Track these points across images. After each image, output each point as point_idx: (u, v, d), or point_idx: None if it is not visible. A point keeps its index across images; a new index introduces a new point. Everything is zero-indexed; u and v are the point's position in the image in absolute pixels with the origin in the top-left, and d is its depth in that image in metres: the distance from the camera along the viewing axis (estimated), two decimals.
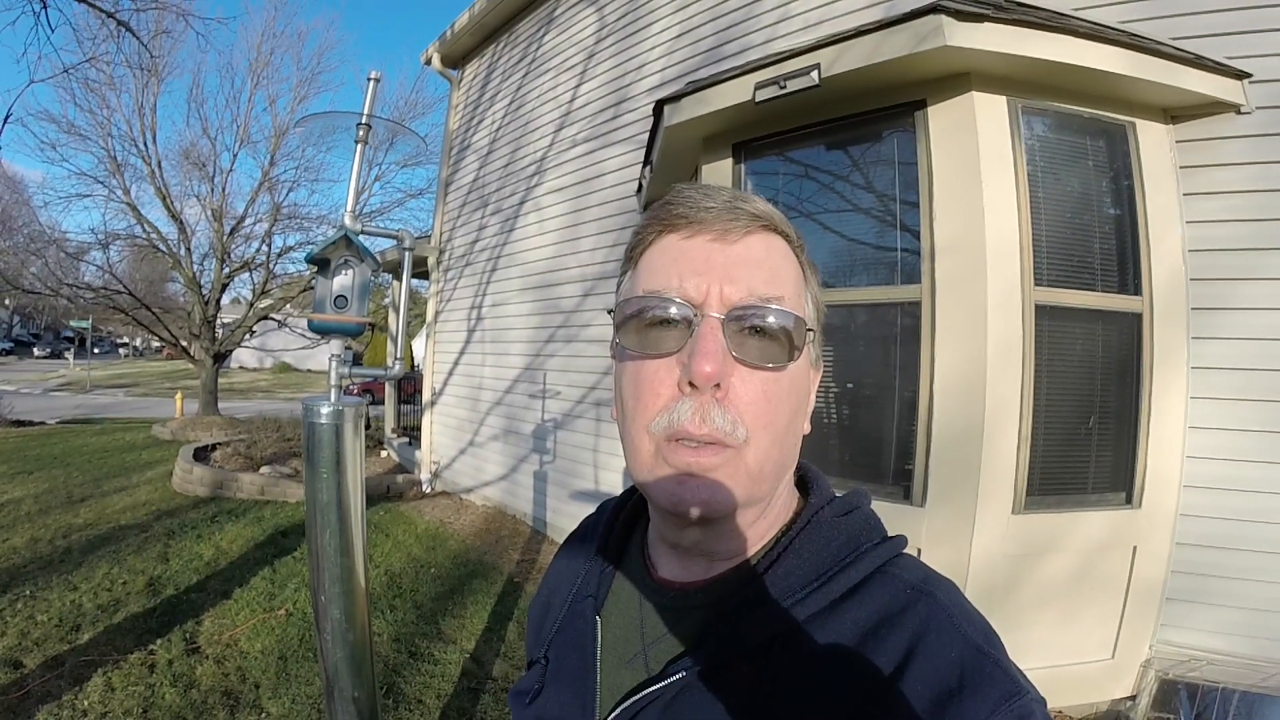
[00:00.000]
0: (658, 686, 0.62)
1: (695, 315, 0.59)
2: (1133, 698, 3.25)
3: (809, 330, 0.63)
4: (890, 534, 0.67)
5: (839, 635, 0.58)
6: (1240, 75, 3.15)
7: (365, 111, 2.52)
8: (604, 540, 0.80)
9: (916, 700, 0.51)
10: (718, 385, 0.58)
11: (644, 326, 0.62)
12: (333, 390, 2.39)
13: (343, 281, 2.43)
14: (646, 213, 0.68)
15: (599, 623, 0.73)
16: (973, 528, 3.06)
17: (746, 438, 0.58)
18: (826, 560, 0.63)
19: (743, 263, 0.61)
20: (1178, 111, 3.31)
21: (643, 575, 0.73)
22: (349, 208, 2.47)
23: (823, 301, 0.71)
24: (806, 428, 0.68)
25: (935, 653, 0.54)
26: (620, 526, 0.81)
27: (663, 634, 0.67)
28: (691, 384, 0.58)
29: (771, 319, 0.60)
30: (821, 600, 0.60)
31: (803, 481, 0.74)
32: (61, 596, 4.70)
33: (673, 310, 0.60)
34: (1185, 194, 3.29)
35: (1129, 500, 3.27)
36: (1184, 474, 3.27)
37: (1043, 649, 3.20)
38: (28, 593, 4.73)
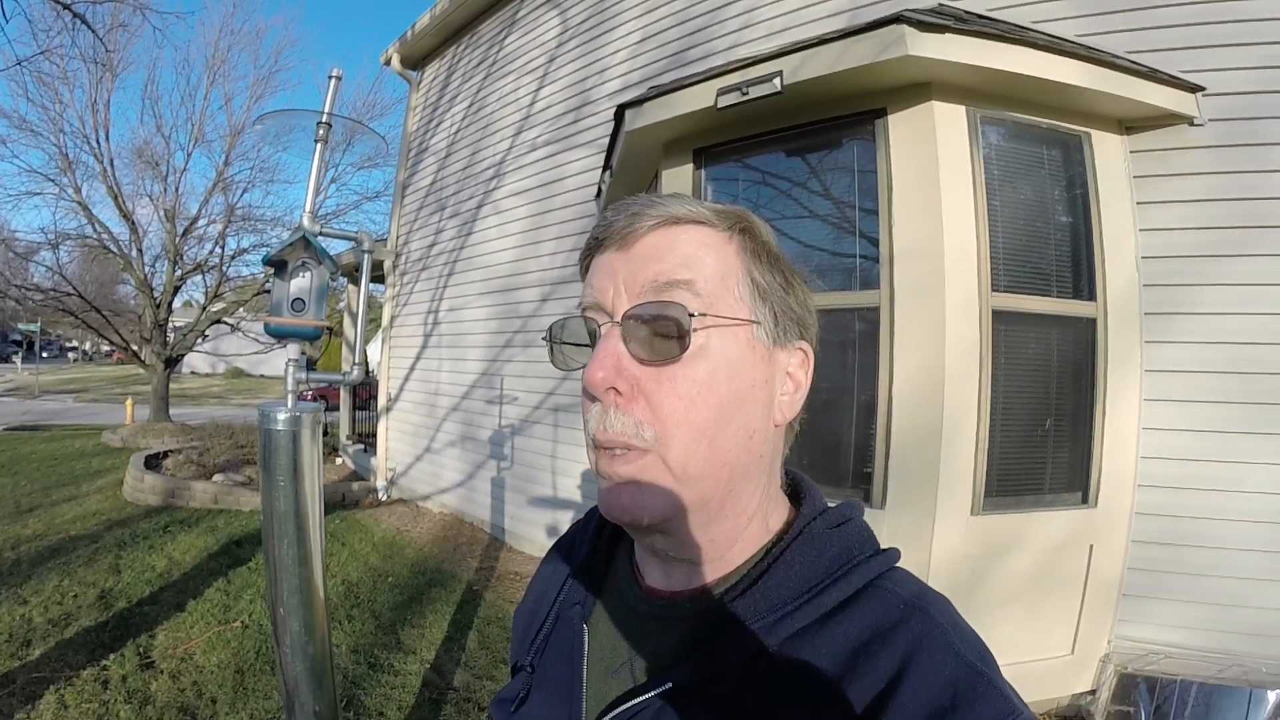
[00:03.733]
0: (644, 697, 0.61)
1: (602, 325, 0.61)
2: (1093, 692, 3.31)
3: (697, 315, 0.59)
4: (882, 547, 0.66)
5: (829, 650, 0.57)
6: (1194, 88, 3.24)
7: (326, 109, 2.47)
8: (591, 547, 0.79)
9: (908, 718, 0.51)
10: (617, 391, 0.59)
11: (590, 346, 0.64)
12: (289, 396, 2.34)
13: (300, 284, 2.37)
14: None
15: (586, 631, 0.72)
16: (933, 529, 3.09)
17: (658, 437, 0.58)
18: (818, 572, 0.61)
19: (643, 262, 0.61)
20: (1133, 123, 3.39)
21: (630, 583, 0.72)
22: (308, 208, 2.43)
23: (787, 280, 0.67)
24: (778, 418, 0.66)
25: (928, 670, 0.53)
26: (608, 534, 0.80)
27: (650, 643, 0.66)
28: (589, 392, 0.60)
29: (652, 312, 0.59)
30: (812, 613, 0.59)
31: (795, 492, 0.72)
32: (11, 611, 4.54)
33: (590, 325, 0.63)
34: (1139, 203, 3.37)
35: (1085, 500, 3.33)
36: (1139, 474, 3.35)
37: (1004, 647, 3.24)
38: None
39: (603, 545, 0.79)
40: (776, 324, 0.65)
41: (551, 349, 0.68)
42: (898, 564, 0.64)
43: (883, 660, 0.54)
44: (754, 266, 0.65)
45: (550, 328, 0.68)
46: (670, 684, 0.60)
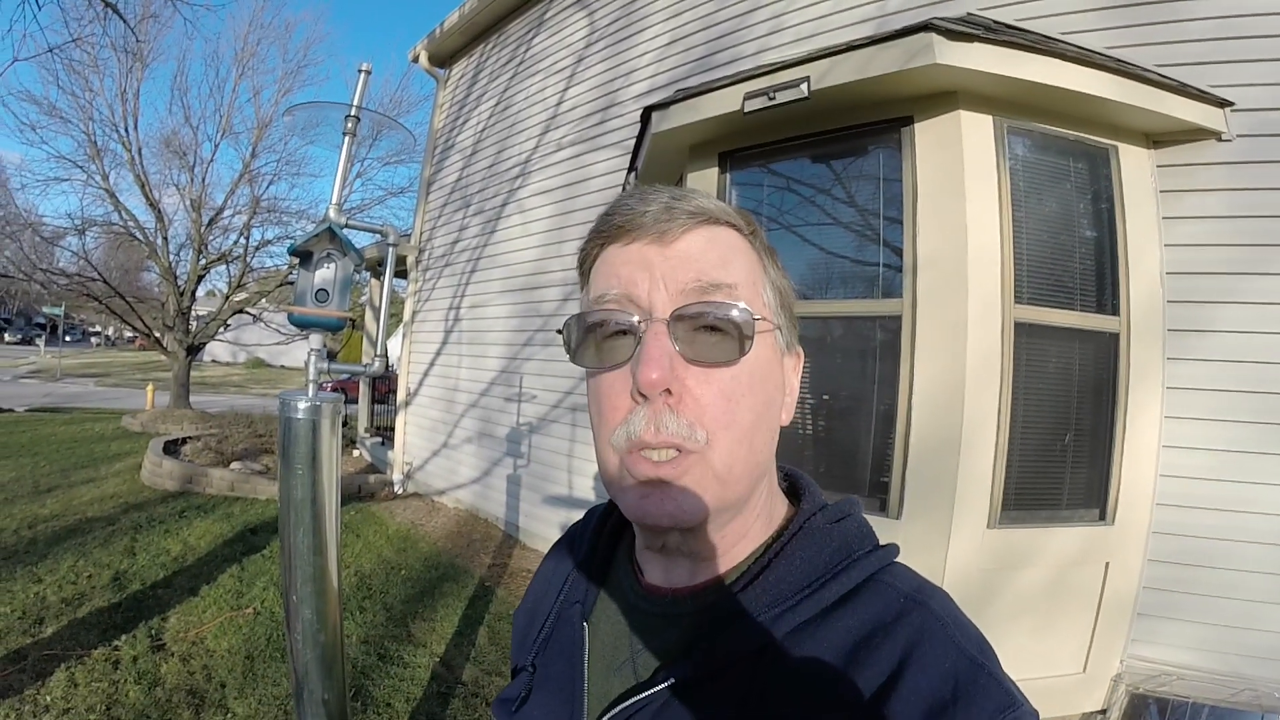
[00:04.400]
0: (646, 694, 0.61)
1: (640, 322, 0.59)
2: (1103, 711, 3.28)
3: (758, 319, 0.61)
4: (882, 542, 0.67)
5: (830, 644, 0.57)
6: (1222, 103, 3.20)
7: (355, 103, 2.49)
8: (591, 546, 0.79)
9: (909, 712, 0.51)
10: (669, 391, 0.57)
11: (599, 340, 0.62)
12: (310, 385, 2.36)
13: (325, 275, 2.39)
14: (591, 226, 0.67)
15: (586, 629, 0.72)
16: (948, 541, 3.07)
17: (707, 440, 0.58)
18: (818, 567, 0.62)
19: (684, 261, 0.60)
20: (1160, 136, 3.36)
21: (631, 581, 0.72)
22: (334, 200, 2.44)
23: (789, 286, 0.70)
24: (784, 419, 0.67)
25: (928, 663, 0.53)
26: (608, 532, 0.80)
27: (651, 641, 0.66)
28: (642, 393, 0.57)
29: (717, 313, 0.59)
30: (813, 608, 0.59)
31: (794, 489, 0.73)
32: (25, 588, 4.60)
33: (618, 320, 0.60)
34: (1164, 217, 3.34)
35: (1102, 517, 3.30)
36: (1157, 492, 3.31)
37: (1015, 662, 3.19)
38: None
39: (602, 544, 0.79)
40: (787, 329, 0.68)
41: (580, 346, 0.64)
42: (897, 559, 0.65)
43: (883, 654, 0.55)
44: (772, 271, 0.67)
45: (569, 322, 0.66)
46: (672, 680, 0.60)
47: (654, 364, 0.56)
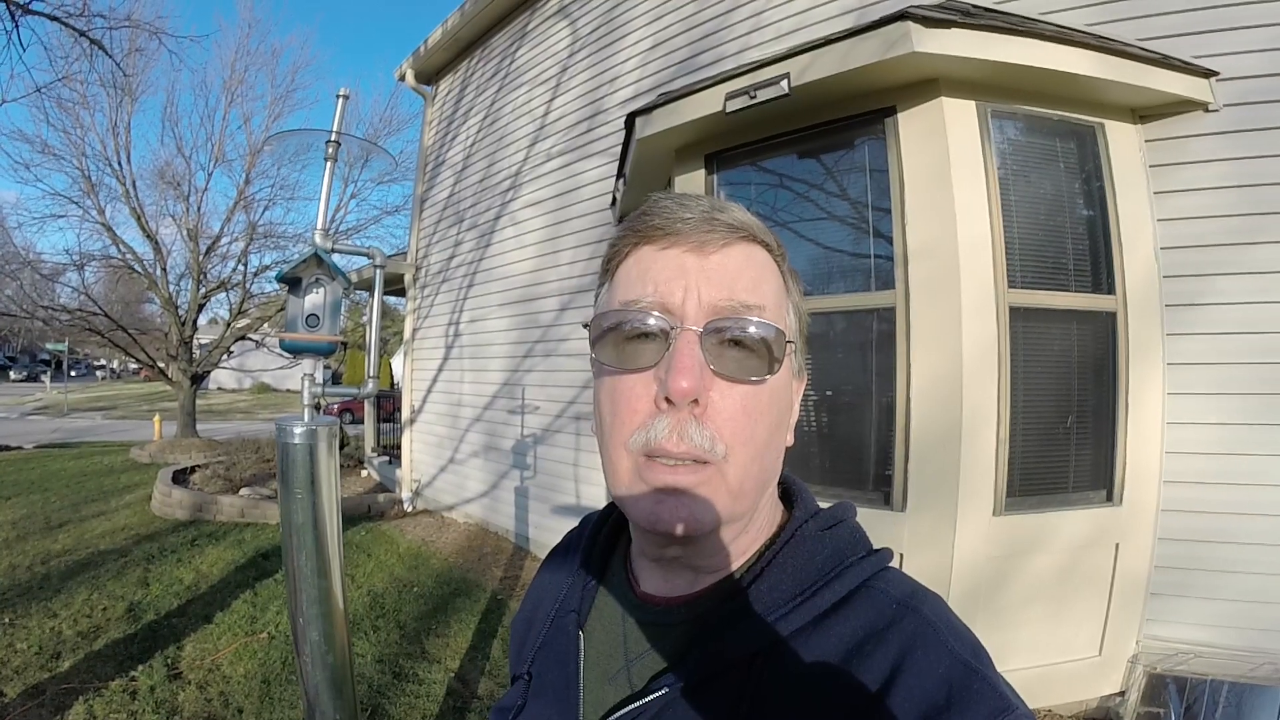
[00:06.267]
0: (641, 703, 0.61)
1: (672, 328, 0.58)
2: (1122, 693, 3.26)
3: (789, 342, 0.62)
4: (875, 545, 0.67)
5: (824, 652, 0.57)
6: (1208, 74, 3.19)
7: (334, 129, 2.50)
8: (586, 555, 0.79)
9: (904, 718, 0.51)
10: (695, 401, 0.57)
11: (621, 340, 0.61)
12: (306, 410, 2.37)
13: (314, 300, 2.40)
14: (623, 223, 0.66)
15: (582, 638, 0.72)
16: (954, 531, 3.06)
17: (726, 454, 0.57)
18: (811, 575, 0.62)
19: (720, 274, 0.60)
20: (1146, 111, 3.34)
21: (625, 590, 0.72)
22: (319, 225, 2.46)
23: (805, 310, 0.70)
24: (789, 439, 0.67)
25: (922, 669, 0.53)
26: (603, 541, 0.80)
27: (646, 649, 0.66)
28: (669, 400, 0.57)
29: (751, 330, 0.59)
30: (806, 615, 0.59)
31: (786, 494, 0.73)
32: (41, 624, 4.62)
33: (650, 323, 0.59)
34: (1156, 192, 3.32)
35: (1110, 498, 3.29)
36: (1164, 469, 3.29)
37: (1029, 649, 3.21)
38: (6, 620, 4.65)
39: (597, 553, 0.79)
40: (800, 353, 0.68)
41: (598, 343, 0.63)
42: (890, 564, 0.65)
43: (877, 660, 0.54)
44: (795, 294, 0.68)
45: (597, 319, 0.64)
46: (666, 689, 0.61)
47: (686, 372, 0.56)
